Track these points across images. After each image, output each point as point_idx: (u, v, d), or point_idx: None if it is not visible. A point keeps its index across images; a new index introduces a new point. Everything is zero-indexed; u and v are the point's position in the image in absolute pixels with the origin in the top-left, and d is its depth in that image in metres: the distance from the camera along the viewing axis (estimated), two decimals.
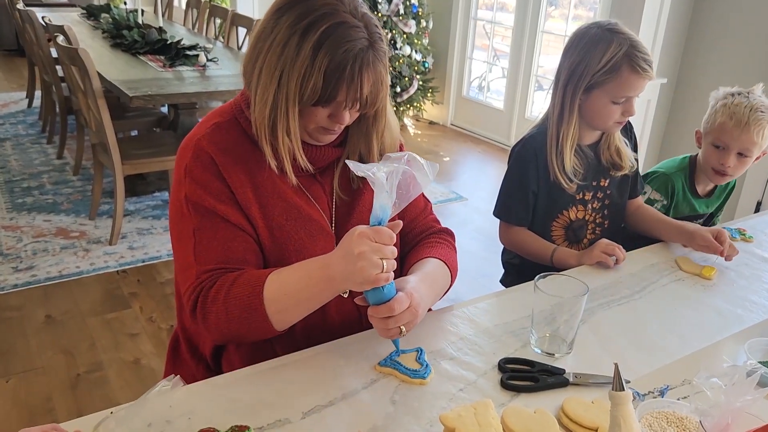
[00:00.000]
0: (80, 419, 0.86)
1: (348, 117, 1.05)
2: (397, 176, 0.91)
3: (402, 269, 1.21)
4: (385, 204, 0.92)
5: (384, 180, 0.90)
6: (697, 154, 1.80)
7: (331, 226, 1.16)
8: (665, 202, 1.78)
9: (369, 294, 0.96)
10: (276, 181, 1.08)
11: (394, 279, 0.98)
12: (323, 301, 1.01)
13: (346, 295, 1.09)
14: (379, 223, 0.93)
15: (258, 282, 0.99)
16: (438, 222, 1.30)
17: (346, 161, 0.96)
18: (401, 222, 0.98)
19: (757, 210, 3.34)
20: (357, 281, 0.92)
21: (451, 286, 1.20)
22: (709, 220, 1.89)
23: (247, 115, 1.07)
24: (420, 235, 1.25)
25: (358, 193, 1.18)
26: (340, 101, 1.01)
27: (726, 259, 1.48)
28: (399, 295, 0.97)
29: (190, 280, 1.04)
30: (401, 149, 1.21)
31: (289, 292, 0.98)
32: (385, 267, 0.91)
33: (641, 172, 1.78)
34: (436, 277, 1.14)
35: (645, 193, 1.80)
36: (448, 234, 1.27)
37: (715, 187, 1.83)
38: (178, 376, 0.81)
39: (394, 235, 0.94)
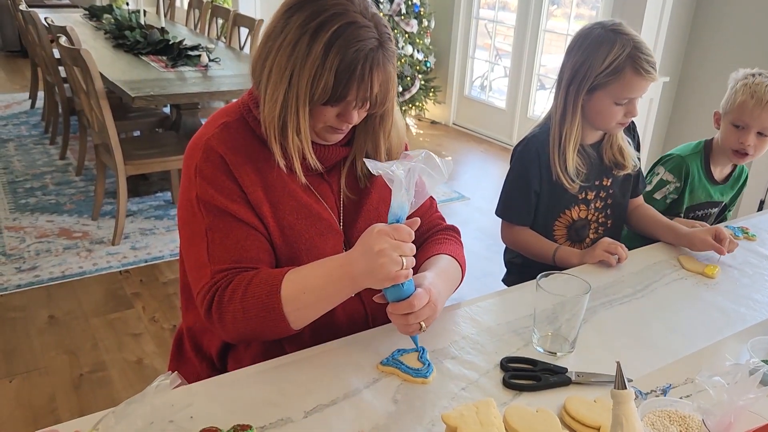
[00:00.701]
0: (82, 419, 0.86)
1: (356, 117, 1.05)
2: (415, 174, 0.93)
3: None
4: (403, 202, 0.93)
5: (403, 178, 0.91)
6: (712, 139, 1.81)
7: (340, 225, 1.16)
8: (678, 185, 1.79)
9: (388, 291, 0.97)
10: (285, 180, 1.08)
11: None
12: (342, 299, 1.01)
13: (353, 294, 1.09)
14: (398, 221, 0.95)
15: (275, 281, 0.99)
16: (443, 219, 1.31)
17: (365, 160, 0.97)
18: (419, 219, 0.99)
19: (760, 209, 3.33)
20: (377, 278, 0.93)
21: (461, 281, 1.21)
22: (723, 212, 1.89)
23: (255, 115, 1.07)
24: (427, 233, 1.26)
25: (365, 192, 1.19)
26: (350, 100, 1.01)
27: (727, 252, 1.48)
28: (418, 291, 0.98)
29: (204, 280, 1.04)
30: (406, 149, 1.21)
31: (308, 290, 0.98)
32: (404, 264, 0.92)
33: (644, 171, 1.77)
34: (449, 273, 1.15)
35: (658, 173, 1.81)
36: (454, 231, 1.28)
37: (730, 174, 1.84)
38: (176, 372, 0.81)
39: (413, 233, 0.95)
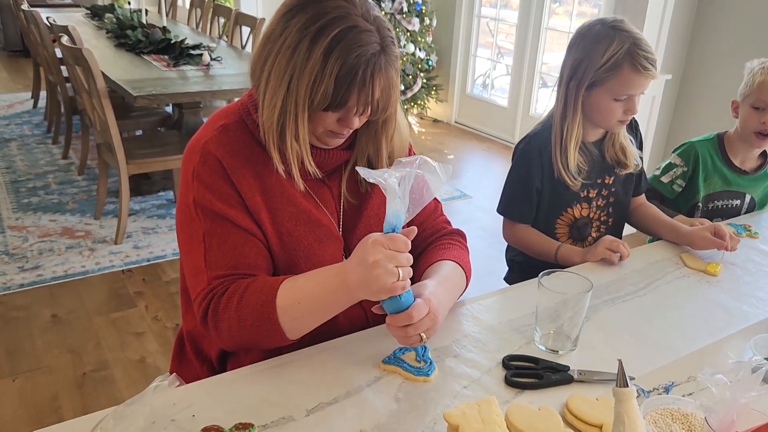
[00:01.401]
0: (84, 417, 0.86)
1: (357, 122, 1.03)
2: (410, 181, 0.90)
3: (415, 271, 1.18)
4: (398, 210, 0.91)
5: (396, 186, 0.89)
6: (725, 132, 1.82)
7: (339, 231, 1.15)
8: (685, 169, 1.80)
9: (386, 303, 0.94)
10: (284, 185, 1.07)
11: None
12: (338, 309, 0.99)
13: (350, 305, 1.08)
14: (393, 230, 0.92)
15: (271, 289, 0.97)
16: (449, 223, 1.28)
17: (357, 168, 0.94)
18: (416, 228, 0.97)
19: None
20: (373, 290, 0.90)
21: (465, 288, 1.19)
22: (751, 209, 1.87)
23: (254, 118, 1.05)
24: (431, 237, 1.23)
25: (366, 196, 1.17)
26: (350, 106, 0.99)
27: (730, 250, 1.47)
28: (417, 302, 0.95)
29: (201, 285, 1.02)
30: (410, 152, 1.20)
31: (304, 300, 0.96)
32: (400, 275, 0.89)
33: (647, 169, 1.77)
34: (452, 281, 1.12)
35: (667, 159, 1.82)
36: (460, 235, 1.25)
37: (760, 166, 1.82)
38: (174, 374, 0.81)
39: (409, 242, 0.92)
